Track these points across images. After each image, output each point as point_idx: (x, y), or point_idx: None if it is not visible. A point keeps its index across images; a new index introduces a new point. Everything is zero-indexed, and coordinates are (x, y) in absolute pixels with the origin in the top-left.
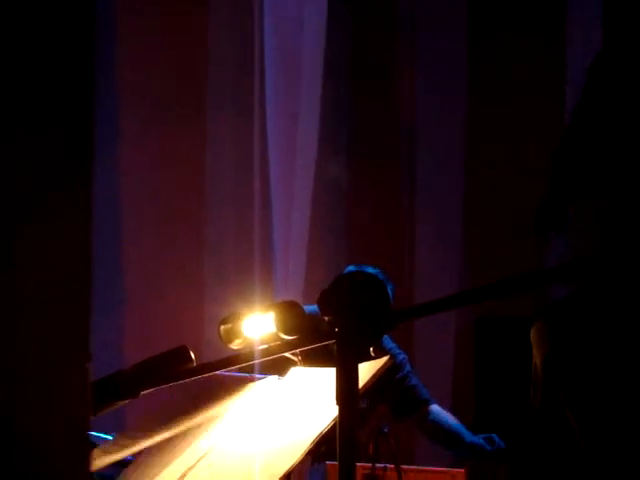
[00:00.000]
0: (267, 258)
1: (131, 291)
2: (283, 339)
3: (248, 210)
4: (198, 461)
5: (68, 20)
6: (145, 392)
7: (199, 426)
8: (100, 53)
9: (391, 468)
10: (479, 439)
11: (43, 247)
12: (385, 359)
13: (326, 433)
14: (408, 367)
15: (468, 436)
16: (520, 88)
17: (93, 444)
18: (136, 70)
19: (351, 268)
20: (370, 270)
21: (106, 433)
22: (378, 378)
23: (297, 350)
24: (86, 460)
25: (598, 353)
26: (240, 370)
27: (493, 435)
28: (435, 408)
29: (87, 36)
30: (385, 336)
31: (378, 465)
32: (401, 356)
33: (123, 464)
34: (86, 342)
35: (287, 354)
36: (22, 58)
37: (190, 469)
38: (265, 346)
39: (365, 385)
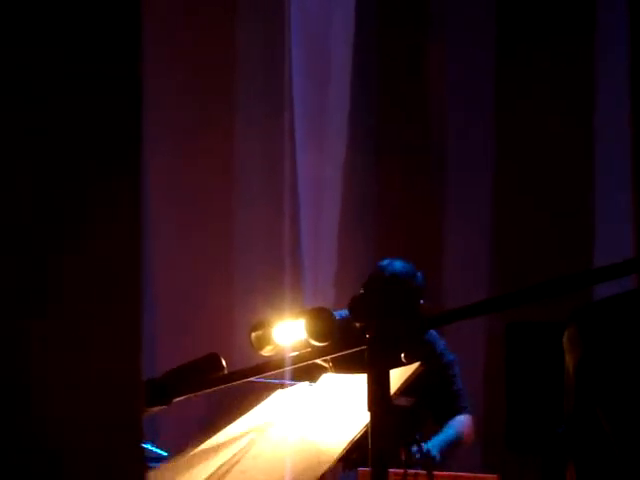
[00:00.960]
0: (296, 263)
1: (161, 298)
2: (314, 346)
3: (277, 214)
4: (232, 467)
5: (117, 18)
6: (177, 399)
7: (232, 433)
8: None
9: (423, 474)
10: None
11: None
12: (416, 365)
13: (358, 440)
14: (457, 369)
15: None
16: (548, 92)
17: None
18: (163, 71)
19: (384, 263)
20: (399, 266)
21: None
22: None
23: (328, 357)
24: (143, 472)
25: (632, 358)
26: (271, 377)
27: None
28: (460, 418)
29: (135, 33)
30: (434, 333)
31: (410, 471)
32: (451, 357)
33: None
34: (139, 345)
35: (318, 361)
36: (78, 54)
37: (223, 475)
38: (296, 353)
39: (397, 391)
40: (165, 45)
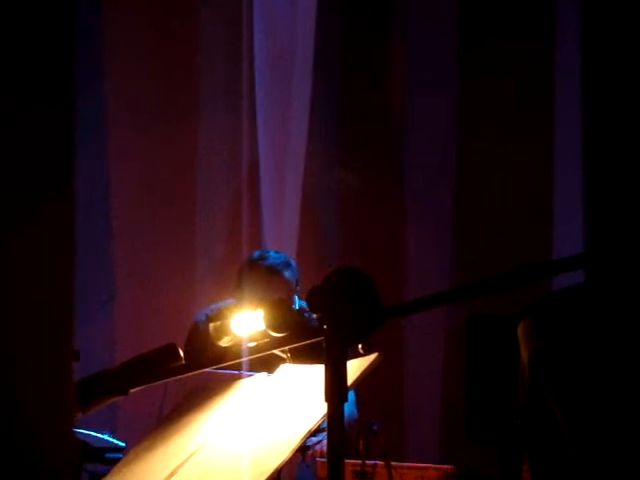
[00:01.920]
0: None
1: (122, 288)
2: (272, 336)
3: (239, 207)
4: (188, 458)
5: (49, 23)
6: (134, 390)
7: (189, 423)
8: (89, 50)
9: (381, 465)
10: None
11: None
12: (374, 356)
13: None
14: None
15: None
16: (511, 82)
17: (80, 442)
18: (126, 68)
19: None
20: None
21: (100, 432)
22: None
23: (286, 347)
24: (73, 457)
25: (584, 350)
26: (229, 368)
27: None
28: None
29: (69, 42)
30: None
31: (368, 462)
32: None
33: (112, 461)
34: (70, 339)
35: (276, 351)
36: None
37: (180, 466)
38: (254, 343)
39: (354, 382)
40: (126, 42)
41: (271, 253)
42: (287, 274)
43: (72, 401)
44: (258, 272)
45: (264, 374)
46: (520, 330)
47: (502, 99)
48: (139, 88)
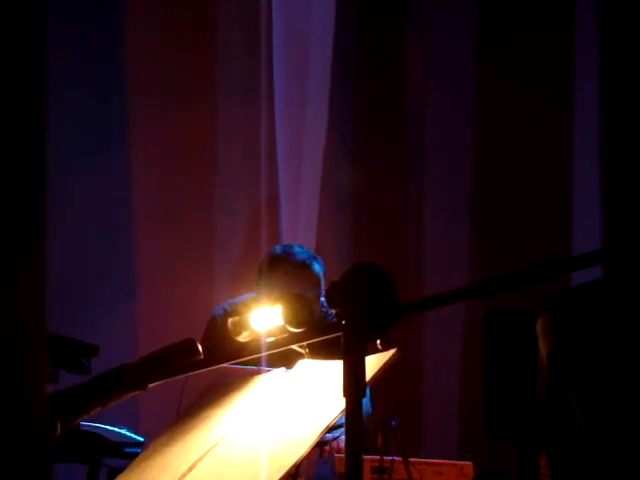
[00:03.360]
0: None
1: (142, 281)
2: (290, 332)
3: (257, 201)
4: (207, 452)
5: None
6: (153, 385)
7: (208, 418)
8: (108, 40)
9: (399, 461)
10: None
11: None
12: (392, 351)
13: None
14: None
15: None
16: (530, 77)
17: (52, 430)
18: (144, 58)
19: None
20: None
21: (119, 427)
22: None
23: (304, 343)
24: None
25: (602, 346)
26: (248, 363)
27: None
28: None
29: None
30: None
31: (386, 457)
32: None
33: (131, 456)
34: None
35: (294, 347)
36: None
37: (199, 460)
38: (272, 339)
39: (372, 377)
40: (145, 33)
41: (296, 248)
42: (316, 267)
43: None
44: (287, 267)
45: (282, 369)
46: (538, 326)
47: (521, 93)
48: (156, 79)
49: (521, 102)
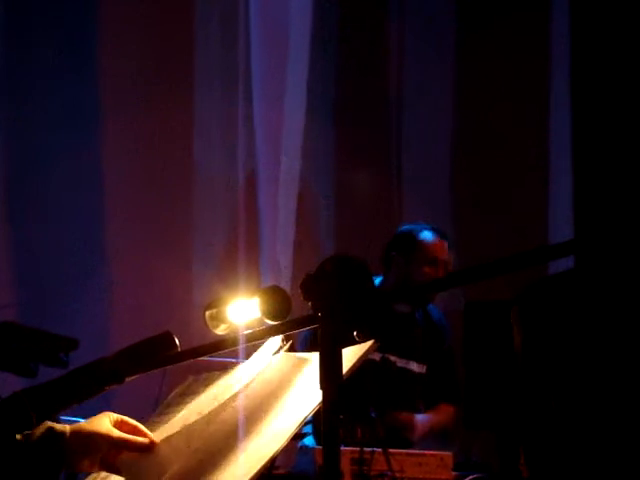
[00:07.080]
0: (254, 243)
1: (118, 276)
2: (268, 324)
3: (236, 195)
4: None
5: None
6: (130, 379)
7: (184, 410)
8: (82, 33)
9: (379, 452)
10: None
11: None
12: (369, 343)
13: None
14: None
15: None
16: (507, 59)
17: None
18: (120, 51)
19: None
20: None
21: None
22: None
23: (282, 335)
24: None
25: (571, 336)
26: (226, 355)
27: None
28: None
29: None
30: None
31: (366, 449)
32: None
33: None
34: None
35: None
36: None
37: (178, 455)
38: (250, 331)
39: (349, 369)
40: (120, 26)
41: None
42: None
43: None
44: (441, 241)
45: (264, 359)
46: (512, 317)
47: (500, 83)
48: (132, 72)
49: (501, 90)
